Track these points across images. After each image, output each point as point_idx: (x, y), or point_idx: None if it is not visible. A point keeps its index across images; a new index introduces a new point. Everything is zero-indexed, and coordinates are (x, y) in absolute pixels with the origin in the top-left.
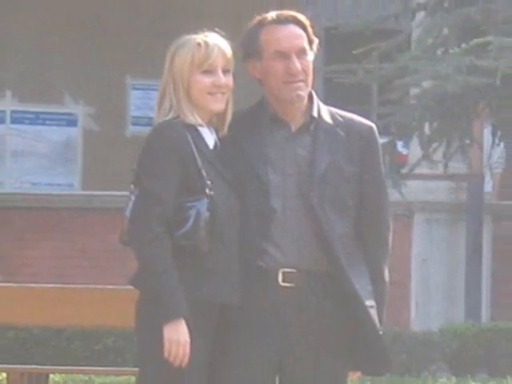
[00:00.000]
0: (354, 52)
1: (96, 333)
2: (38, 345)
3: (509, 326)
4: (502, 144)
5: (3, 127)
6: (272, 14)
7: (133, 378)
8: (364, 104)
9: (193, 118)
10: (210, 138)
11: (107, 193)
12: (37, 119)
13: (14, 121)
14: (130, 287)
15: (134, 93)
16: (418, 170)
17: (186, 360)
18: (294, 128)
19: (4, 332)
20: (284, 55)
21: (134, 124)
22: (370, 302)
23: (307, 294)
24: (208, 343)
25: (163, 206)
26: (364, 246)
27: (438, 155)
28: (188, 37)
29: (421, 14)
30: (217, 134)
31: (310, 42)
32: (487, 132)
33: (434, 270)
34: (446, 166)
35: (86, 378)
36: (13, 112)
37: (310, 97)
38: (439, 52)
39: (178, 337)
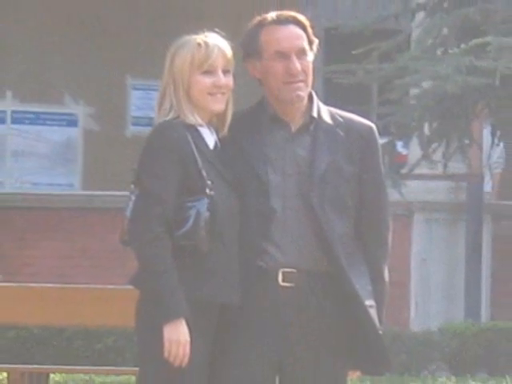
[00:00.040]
0: (353, 52)
1: (96, 332)
2: (38, 344)
3: (508, 325)
4: (501, 144)
5: (4, 127)
6: (272, 15)
7: (133, 378)
8: (364, 104)
9: (193, 119)
10: (210, 138)
11: (107, 193)
12: (37, 119)
13: (14, 121)
14: (131, 287)
15: (134, 93)
16: (417, 170)
17: (186, 360)
18: (293, 128)
19: (5, 332)
20: (284, 55)
21: (135, 124)
22: (369, 302)
23: (307, 293)
24: (208, 343)
25: (163, 206)
26: (364, 245)
27: (438, 155)
28: (188, 37)
29: (420, 15)
30: (217, 134)
31: (310, 43)
32: (486, 132)
33: (433, 269)
34: (445, 166)
35: (87, 377)
36: (13, 112)
37: (310, 97)
38: (439, 52)
39: (178, 337)
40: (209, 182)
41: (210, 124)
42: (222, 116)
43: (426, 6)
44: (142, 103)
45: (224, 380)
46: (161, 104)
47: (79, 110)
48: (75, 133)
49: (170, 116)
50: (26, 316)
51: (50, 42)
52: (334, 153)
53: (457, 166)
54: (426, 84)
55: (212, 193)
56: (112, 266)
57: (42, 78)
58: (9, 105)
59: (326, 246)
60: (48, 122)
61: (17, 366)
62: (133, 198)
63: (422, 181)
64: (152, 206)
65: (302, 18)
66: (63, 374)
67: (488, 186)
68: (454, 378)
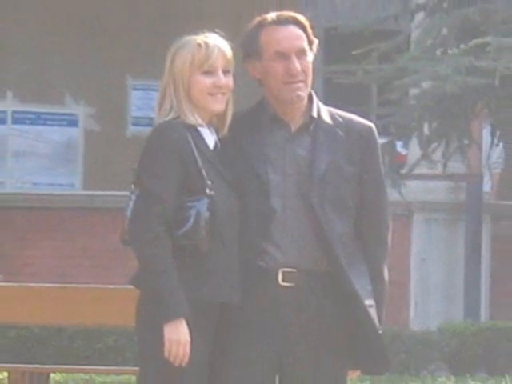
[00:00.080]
0: (353, 53)
1: (97, 332)
2: (39, 344)
3: (508, 325)
4: (500, 144)
5: (4, 128)
6: (272, 15)
7: (133, 378)
8: (363, 104)
9: (193, 119)
10: (210, 139)
11: (108, 193)
12: (38, 119)
13: (15, 121)
14: (131, 287)
15: (134, 93)
16: (417, 170)
17: (186, 360)
18: (293, 128)
19: (5, 331)
20: (284, 56)
21: (135, 124)
22: (369, 302)
23: (307, 293)
24: (208, 343)
25: (163, 206)
26: (364, 245)
27: (437, 155)
28: (188, 38)
29: (420, 15)
30: (217, 134)
31: (310, 43)
32: (486, 132)
33: (433, 269)
34: (445, 166)
35: (87, 377)
36: (14, 112)
37: (310, 97)
38: (438, 53)
39: (178, 336)
40: (209, 182)
41: (210, 124)
42: (222, 116)
43: (426, 7)
44: (143, 103)
45: (224, 380)
46: (161, 104)
47: (80, 111)
48: (76, 133)
49: (170, 116)
50: (26, 316)
51: (50, 42)
52: (333, 153)
53: (456, 166)
54: (425, 84)
55: (212, 193)
56: (112, 265)
57: (43, 78)
58: (9, 105)
59: (326, 245)
60: (48, 123)
61: (17, 365)
62: (133, 197)
63: (421, 181)
64: (152, 206)
65: (301, 18)
66: (63, 374)
67: (487, 186)
68: (453, 378)
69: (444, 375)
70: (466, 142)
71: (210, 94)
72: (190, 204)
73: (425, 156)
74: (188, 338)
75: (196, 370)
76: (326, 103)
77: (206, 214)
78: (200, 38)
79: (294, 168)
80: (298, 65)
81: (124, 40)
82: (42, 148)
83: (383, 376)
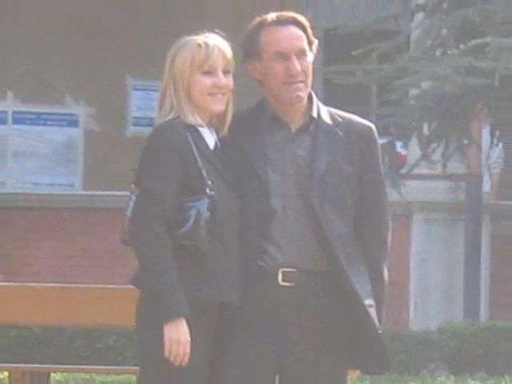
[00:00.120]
0: (353, 53)
1: (97, 332)
2: (39, 344)
3: (507, 325)
4: (500, 144)
5: (5, 128)
6: (272, 15)
7: (133, 377)
8: (363, 104)
9: (193, 119)
10: (210, 139)
11: (108, 193)
12: (38, 120)
13: (15, 121)
14: (131, 286)
15: (134, 93)
16: (416, 170)
17: (187, 359)
18: (293, 128)
19: (6, 331)
20: (284, 56)
21: (135, 124)
22: (369, 302)
23: (307, 293)
24: (208, 343)
25: (164, 206)
26: (363, 245)
27: (437, 155)
28: (188, 38)
29: (420, 15)
30: (217, 134)
31: (310, 43)
32: (486, 132)
33: (432, 269)
34: (444, 166)
35: (87, 376)
36: (14, 113)
37: (310, 97)
38: (438, 53)
39: (178, 336)
40: (209, 182)
41: (210, 124)
42: (222, 116)
43: (426, 7)
44: (143, 104)
45: (224, 380)
46: (161, 104)
47: (80, 111)
48: (76, 133)
49: (171, 116)
50: (27, 315)
51: (50, 42)
52: (333, 153)
53: (456, 166)
54: (425, 84)
55: (212, 193)
56: (113, 265)
57: (43, 78)
58: (10, 105)
59: (326, 245)
60: (49, 123)
61: (18, 365)
62: (133, 197)
63: (421, 181)
64: (152, 206)
65: (301, 18)
66: (64, 373)
67: (487, 186)
68: (453, 378)
69: (444, 375)
70: (466, 142)
71: (210, 94)
72: (190, 204)
73: (424, 156)
74: (188, 337)
75: (196, 369)
76: (325, 103)
77: (206, 214)
78: (200, 39)
79: (294, 168)
80: (297, 65)
81: (124, 40)
82: (42, 148)
83: (383, 376)
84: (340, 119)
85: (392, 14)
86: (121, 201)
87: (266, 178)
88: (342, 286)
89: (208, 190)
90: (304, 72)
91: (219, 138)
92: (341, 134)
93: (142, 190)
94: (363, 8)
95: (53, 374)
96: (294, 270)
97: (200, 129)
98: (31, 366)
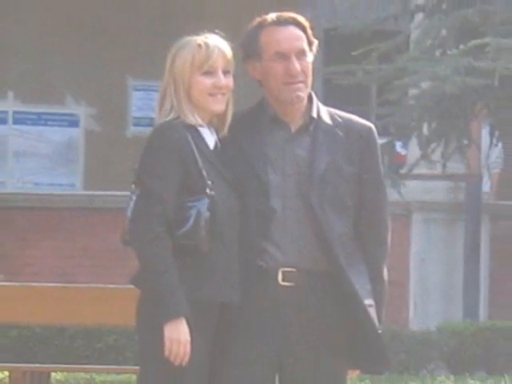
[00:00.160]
0: (353, 53)
1: (98, 331)
2: (40, 343)
3: (506, 324)
4: (499, 144)
5: (5, 128)
6: (272, 16)
7: (134, 377)
8: (363, 105)
9: (193, 119)
10: (210, 139)
11: (109, 193)
12: (39, 120)
13: (16, 121)
14: (131, 286)
15: (135, 94)
16: (416, 170)
17: (187, 359)
18: (293, 129)
19: (7, 331)
20: (284, 56)
21: (135, 125)
22: (369, 301)
23: (307, 293)
24: (208, 343)
25: (164, 206)
26: (363, 245)
27: (437, 155)
28: (188, 38)
29: (419, 16)
30: (217, 134)
31: (310, 44)
32: (485, 132)
33: (432, 269)
34: (444, 166)
35: (88, 376)
36: (15, 113)
37: (310, 98)
38: (437, 53)
39: (178, 336)
40: (209, 182)
41: (210, 124)
42: (222, 116)
43: (425, 8)
44: (143, 104)
45: (224, 380)
46: (161, 104)
47: (80, 111)
48: (76, 133)
49: (171, 116)
50: (27, 315)
51: (50, 42)
52: (333, 153)
53: (455, 166)
54: (424, 84)
55: (212, 193)
56: (113, 265)
57: (43, 78)
58: (10, 105)
59: (326, 245)
60: (49, 123)
61: (18, 364)
62: (134, 197)
63: (420, 181)
64: (153, 206)
65: (301, 19)
66: (64, 373)
67: (486, 186)
68: (452, 377)
69: (443, 374)
70: (466, 142)
71: (210, 95)
72: (190, 204)
73: (424, 156)
74: (188, 337)
75: (196, 369)
76: (325, 103)
77: (206, 214)
78: (200, 39)
79: (294, 168)
80: (297, 65)
81: (124, 40)
82: (42, 148)
83: (383, 375)
84: (340, 119)
85: (392, 15)
86: (121, 201)
87: (266, 177)
88: (341, 285)
89: (208, 190)
90: (304, 72)
91: (219, 138)
92: (341, 134)
93: (142, 189)
94: (363, 8)
95: (53, 374)
96: (293, 269)
97: (200, 129)
98: (32, 365)
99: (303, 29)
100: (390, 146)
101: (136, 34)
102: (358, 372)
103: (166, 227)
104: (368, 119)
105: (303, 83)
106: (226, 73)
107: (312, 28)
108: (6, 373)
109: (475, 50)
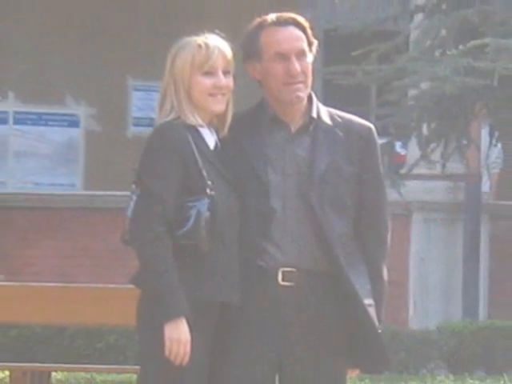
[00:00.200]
0: (352, 53)
1: (98, 331)
2: (40, 343)
3: (505, 324)
4: (499, 144)
5: (6, 128)
6: (272, 16)
7: (134, 376)
8: (363, 105)
9: (193, 119)
10: (210, 139)
11: (109, 193)
12: (39, 120)
13: (16, 122)
14: (132, 286)
15: (135, 94)
16: (416, 170)
17: (187, 358)
18: (293, 129)
19: (7, 330)
20: (284, 57)
21: (136, 125)
22: (368, 301)
23: (307, 293)
24: (208, 342)
25: (164, 206)
26: (363, 245)
27: (436, 155)
28: (189, 38)
29: (419, 16)
30: (217, 134)
31: (310, 44)
32: (485, 132)
33: (431, 268)
34: (443, 166)
35: (88, 375)
36: (15, 113)
37: (310, 98)
38: (437, 53)
39: (178, 335)
40: (209, 182)
41: (210, 124)
42: (222, 117)
43: (425, 8)
44: (143, 104)
45: (224, 380)
46: (162, 105)
47: (81, 111)
48: (77, 133)
49: (171, 117)
50: (28, 315)
51: (50, 42)
52: (333, 153)
53: (455, 166)
54: (424, 85)
55: (212, 193)
56: (113, 265)
57: (44, 78)
58: (11, 106)
59: (326, 245)
60: (50, 123)
61: (19, 364)
62: (134, 197)
63: (420, 181)
64: (153, 206)
65: (301, 19)
66: (65, 373)
67: (486, 186)
68: (452, 377)
69: (443, 374)
70: (465, 142)
71: (211, 95)
72: (190, 204)
73: (424, 156)
74: (188, 336)
75: (196, 369)
76: (325, 104)
77: (206, 214)
78: (200, 39)
79: (294, 168)
80: (297, 66)
81: (124, 40)
82: (43, 148)
83: (382, 375)
84: (340, 120)
85: (391, 15)
86: (121, 201)
87: (266, 178)
88: (341, 285)
89: (208, 190)
90: (304, 73)
91: (219, 139)
92: (340, 134)
93: (142, 189)
94: (363, 9)
95: (54, 374)
96: (293, 269)
97: (200, 129)
98: (32, 365)
99: (303, 29)
100: (390, 146)
101: (136, 34)
102: (357, 371)
103: (167, 227)
104: (368, 119)
105: (303, 83)
106: (226, 73)
107: (312, 28)
108: (7, 372)
109: (475, 50)
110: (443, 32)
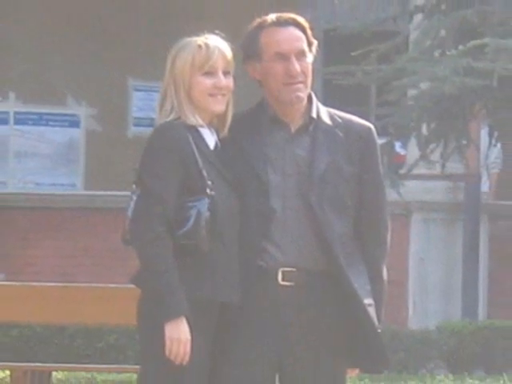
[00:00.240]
0: (352, 54)
1: (98, 331)
2: (41, 343)
3: (505, 324)
4: (498, 144)
5: (7, 128)
6: (272, 17)
7: (135, 376)
8: (362, 105)
9: (194, 119)
10: (210, 139)
11: (109, 193)
12: (40, 120)
13: (17, 122)
14: (132, 286)
15: (135, 94)
16: (415, 170)
17: (187, 358)
18: (293, 129)
19: (8, 330)
20: (284, 57)
21: (136, 125)
22: (368, 301)
23: (307, 292)
24: (208, 342)
25: (164, 206)
26: (363, 245)
27: (436, 155)
28: (189, 39)
29: (418, 17)
30: (217, 134)
31: (310, 44)
32: (484, 133)
33: (431, 268)
34: (443, 166)
35: (89, 375)
36: (16, 113)
37: (310, 98)
38: (436, 54)
39: (178, 335)
40: (209, 182)
41: (210, 125)
42: (222, 117)
43: (424, 8)
44: (144, 104)
45: (224, 380)
46: (162, 105)
47: (81, 111)
48: (77, 133)
49: (171, 117)
50: (28, 314)
51: (50, 42)
52: (333, 153)
53: (454, 167)
54: (423, 85)
55: (212, 193)
56: (114, 265)
57: (44, 78)
58: (12, 106)
59: (326, 245)
60: (50, 123)
61: (19, 364)
62: (134, 197)
63: (420, 181)
64: (153, 206)
65: (301, 19)
66: (65, 372)
67: (485, 186)
68: (451, 376)
69: (442, 373)
70: (464, 142)
71: (211, 95)
72: (190, 204)
73: (423, 156)
74: (189, 336)
75: (196, 368)
76: (325, 104)
77: (206, 214)
78: (200, 40)
79: (294, 168)
80: (297, 66)
81: (124, 40)
82: (43, 148)
83: (382, 374)
84: (339, 120)
85: (391, 16)
86: (122, 201)
87: (266, 177)
88: (341, 285)
89: (208, 190)
90: (303, 73)
91: (219, 139)
92: (340, 134)
93: (142, 189)
94: (362, 9)
95: (54, 373)
96: (293, 269)
97: (200, 129)
98: (33, 364)
99: (303, 29)
100: (390, 146)
101: (136, 34)
102: (357, 371)
103: (167, 227)
104: (367, 119)
105: (303, 84)
106: (226, 73)
107: (312, 29)
108: (7, 372)
109: (474, 50)
110: (442, 32)
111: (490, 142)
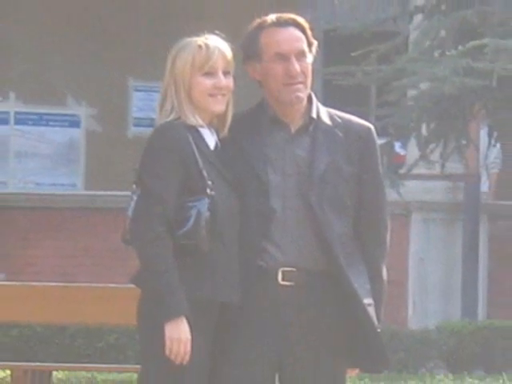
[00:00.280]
0: (352, 54)
1: (98, 330)
2: (41, 342)
3: (504, 324)
4: (498, 145)
5: (7, 128)
6: (272, 17)
7: (135, 375)
8: (362, 105)
9: (194, 120)
10: (210, 139)
11: (110, 193)
12: (40, 120)
13: (17, 122)
14: (132, 286)
15: (135, 94)
16: (415, 171)
17: (187, 358)
18: (293, 129)
19: (8, 330)
20: (284, 57)
21: (136, 125)
22: (368, 301)
23: (307, 292)
24: (208, 342)
25: (164, 206)
26: (362, 245)
27: (435, 156)
28: (189, 39)
29: (418, 17)
30: (217, 134)
31: (309, 45)
32: (483, 133)
33: (431, 268)
34: (443, 166)
35: (89, 375)
36: (16, 113)
37: (309, 98)
38: (436, 54)
39: (179, 335)
40: (209, 183)
41: (210, 125)
42: (222, 117)
43: (424, 9)
44: (144, 104)
45: (224, 380)
46: (162, 105)
47: (81, 111)
48: (78, 133)
49: (171, 117)
50: (28, 314)
51: (50, 42)
52: (333, 153)
53: (454, 167)
54: (423, 85)
55: (212, 193)
56: (114, 265)
57: (44, 79)
58: (12, 106)
59: (326, 245)
60: (51, 123)
61: (20, 363)
62: (134, 197)
63: (419, 181)
64: (153, 206)
65: (301, 20)
66: (66, 372)
67: (485, 186)
68: (451, 376)
69: (442, 373)
70: (464, 142)
71: (211, 95)
72: (190, 204)
73: (423, 156)
74: (189, 336)
75: (196, 368)
76: (325, 104)
77: (206, 214)
78: (200, 40)
79: (294, 168)
80: (297, 66)
81: (124, 40)
82: (44, 148)
83: (382, 374)
84: (339, 120)
85: (391, 16)
86: (122, 201)
87: (266, 178)
88: (341, 285)
89: (208, 190)
90: (303, 73)
91: (219, 139)
92: (340, 134)
93: (142, 190)
94: (362, 10)
95: (54, 373)
96: (293, 269)
97: (200, 129)
98: (33, 364)
99: (303, 30)
100: (389, 146)
101: (136, 34)
102: (357, 371)
103: (167, 227)
104: (367, 120)
105: (303, 84)
106: (226, 74)
107: (312, 29)
108: (8, 371)
109: (474, 50)
110: (442, 33)
111: (490, 142)
